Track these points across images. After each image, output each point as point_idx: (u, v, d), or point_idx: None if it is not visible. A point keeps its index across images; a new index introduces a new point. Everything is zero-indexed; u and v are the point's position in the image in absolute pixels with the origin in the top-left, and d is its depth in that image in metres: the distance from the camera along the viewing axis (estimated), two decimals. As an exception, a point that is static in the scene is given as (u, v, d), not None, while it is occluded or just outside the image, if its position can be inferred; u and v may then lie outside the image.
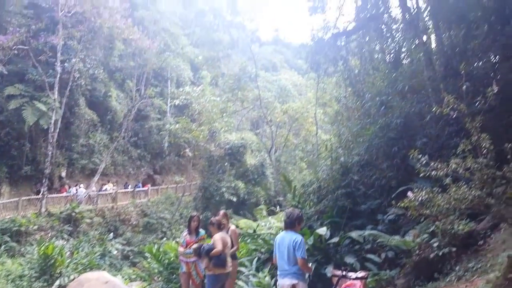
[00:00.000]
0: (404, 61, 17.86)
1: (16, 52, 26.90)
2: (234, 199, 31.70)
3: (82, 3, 29.03)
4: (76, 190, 28.71)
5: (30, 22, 27.90)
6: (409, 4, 17.21)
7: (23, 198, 24.88)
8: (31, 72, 28.03)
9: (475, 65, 12.90)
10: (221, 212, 8.77)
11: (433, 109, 8.25)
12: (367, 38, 21.42)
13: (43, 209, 24.92)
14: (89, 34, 30.83)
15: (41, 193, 25.49)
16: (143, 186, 35.11)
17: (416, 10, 16.12)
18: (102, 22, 30.69)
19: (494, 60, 12.79)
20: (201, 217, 9.25)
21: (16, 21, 27.55)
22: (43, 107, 26.71)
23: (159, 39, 38.52)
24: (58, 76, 27.31)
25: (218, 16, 29.37)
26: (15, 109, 26.27)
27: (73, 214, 25.92)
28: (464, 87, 7.84)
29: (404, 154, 11.17)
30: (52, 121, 26.62)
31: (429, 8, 15.29)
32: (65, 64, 28.73)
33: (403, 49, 18.44)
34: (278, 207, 26.12)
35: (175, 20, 41.49)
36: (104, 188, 31.53)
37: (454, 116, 7.74)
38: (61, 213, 25.77)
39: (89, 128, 32.95)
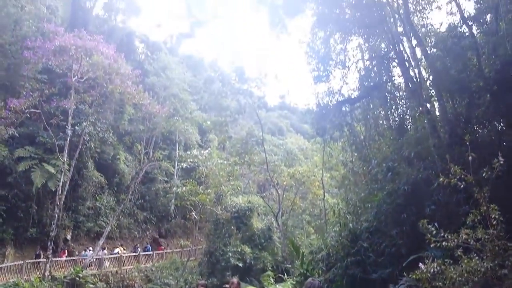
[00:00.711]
0: (409, 128, 18.15)
1: (28, 115, 27.62)
2: (241, 265, 30.93)
3: (95, 70, 30.11)
4: (87, 253, 28.45)
5: (43, 87, 28.81)
6: (411, 73, 17.83)
7: (28, 261, 24.49)
8: (42, 135, 28.63)
9: (479, 132, 13.11)
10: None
11: (441, 179, 8.30)
12: (371, 105, 21.92)
13: (47, 273, 24.41)
14: (101, 99, 31.72)
15: (42, 256, 25.13)
16: (157, 249, 34.78)
17: (418, 79, 16.66)
18: (113, 88, 31.64)
19: (499, 128, 13.01)
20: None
21: (30, 86, 28.50)
22: (51, 169, 27.00)
23: (168, 104, 39.53)
24: (68, 139, 27.79)
25: (226, 84, 30.30)
26: (24, 171, 26.58)
27: (77, 278, 25.35)
28: (470, 157, 7.94)
29: (413, 221, 11.09)
30: (60, 184, 26.76)
31: (431, 78, 15.83)
32: (76, 127, 29.36)
33: (407, 116, 18.81)
34: (285, 274, 25.43)
35: (184, 86, 42.82)
36: (115, 251, 31.22)
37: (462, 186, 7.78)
38: (64, 277, 25.22)
39: (96, 190, 33.06)
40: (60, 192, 26.85)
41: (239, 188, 37.75)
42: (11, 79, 29.36)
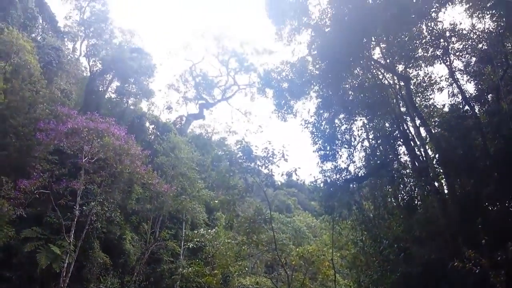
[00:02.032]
0: (418, 207, 18.03)
1: (37, 195, 27.79)
2: None
3: (105, 151, 30.78)
4: None
5: (53, 168, 29.29)
6: (417, 152, 18.07)
7: None
8: (50, 215, 28.59)
9: (490, 211, 12.99)
10: None
11: (455, 263, 8.14)
12: (379, 183, 21.95)
13: None
14: (110, 179, 32.04)
15: None
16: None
17: (425, 158, 16.86)
18: (123, 168, 32.08)
19: (509, 206, 12.92)
20: None
21: (41, 166, 28.95)
22: (57, 251, 26.61)
23: (176, 183, 39.75)
24: (76, 219, 27.71)
25: (234, 162, 30.78)
26: (29, 252, 26.20)
27: None
28: (483, 241, 7.84)
29: (429, 306, 10.68)
30: (65, 265, 26.24)
31: (437, 157, 16.03)
32: (84, 207, 29.38)
33: (416, 195, 18.76)
34: None
35: (192, 165, 43.29)
36: None
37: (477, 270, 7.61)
38: None
39: (101, 271, 32.23)
40: (64, 274, 26.29)
41: (246, 268, 36.70)
42: (23, 160, 29.90)
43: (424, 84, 21.61)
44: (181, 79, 55.39)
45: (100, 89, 47.37)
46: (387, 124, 21.86)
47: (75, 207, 28.07)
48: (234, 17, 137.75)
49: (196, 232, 38.55)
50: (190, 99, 56.15)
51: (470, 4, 19.56)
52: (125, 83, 47.99)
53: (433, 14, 20.52)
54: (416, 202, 18.33)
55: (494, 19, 19.21)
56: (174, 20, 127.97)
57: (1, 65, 31.66)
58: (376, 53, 24.47)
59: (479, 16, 19.69)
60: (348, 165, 22.49)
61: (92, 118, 31.64)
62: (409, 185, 20.06)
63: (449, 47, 20.27)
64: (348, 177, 22.14)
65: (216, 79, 56.50)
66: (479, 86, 18.52)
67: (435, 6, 20.24)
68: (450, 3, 19.97)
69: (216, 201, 40.89)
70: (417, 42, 21.17)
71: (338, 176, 22.36)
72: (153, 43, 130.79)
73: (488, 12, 19.19)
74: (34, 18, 45.12)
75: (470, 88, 19.18)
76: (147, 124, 49.62)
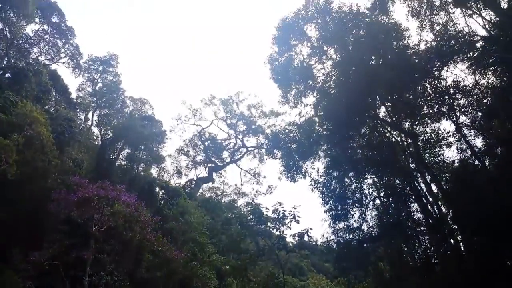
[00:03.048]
0: (436, 264, 17.47)
1: (47, 267, 27.35)
2: None
3: (116, 219, 30.67)
4: None
5: (64, 238, 29.04)
6: (430, 209, 17.79)
7: None
8: (58, 287, 27.96)
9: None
10: None
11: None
12: (393, 242, 21.44)
13: None
14: (119, 247, 31.60)
15: None
16: None
17: (438, 215, 16.56)
18: (133, 235, 31.75)
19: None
20: None
21: (51, 237, 28.74)
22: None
23: (187, 248, 39.02)
24: (85, 290, 27.09)
25: (245, 225, 30.49)
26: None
27: None
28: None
29: None
30: None
31: (451, 213, 15.74)
32: (93, 277, 28.76)
33: (432, 252, 18.24)
34: None
35: (202, 230, 42.72)
36: None
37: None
38: None
39: None
40: None
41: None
42: (34, 231, 29.77)
43: (431, 141, 21.68)
44: (191, 144, 56.20)
45: (111, 157, 47.97)
46: (397, 181, 21.73)
47: (84, 277, 27.49)
48: (240, 82, 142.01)
49: (207, 300, 37.30)
50: (199, 163, 56.60)
51: (472, 61, 20.08)
52: (136, 150, 48.67)
53: (436, 73, 21.04)
54: (433, 261, 17.77)
55: (496, 74, 19.63)
56: (184, 87, 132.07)
57: (14, 137, 32.40)
58: (382, 112, 24.88)
59: (482, 72, 20.18)
60: (361, 225, 22.12)
61: (102, 186, 31.78)
62: (424, 243, 19.55)
63: (454, 104, 20.58)
64: (362, 237, 21.69)
65: (224, 142, 57.32)
66: (487, 140, 18.55)
67: (437, 65, 20.81)
68: (452, 62, 20.53)
69: (227, 267, 39.93)
70: (422, 99, 21.55)
71: (351, 236, 21.93)
72: (163, 110, 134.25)
73: (490, 68, 19.65)
74: (48, 91, 46.66)
75: (479, 142, 19.27)
76: (157, 189, 49.65)
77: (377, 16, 25.74)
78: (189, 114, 56.54)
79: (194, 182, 55.10)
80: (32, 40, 51.32)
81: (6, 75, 45.47)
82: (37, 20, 49.90)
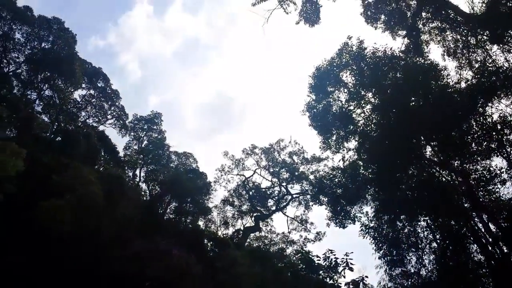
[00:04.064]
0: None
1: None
2: None
3: (168, 273, 30.99)
4: None
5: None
6: (491, 249, 17.03)
7: None
8: None
9: None
10: None
11: None
12: (454, 286, 20.48)
13: None
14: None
15: None
16: None
17: (500, 255, 15.86)
18: (185, 290, 31.87)
19: None
20: None
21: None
22: None
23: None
24: None
25: (296, 275, 30.02)
26: None
27: None
28: None
29: None
30: None
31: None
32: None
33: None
34: None
35: (253, 281, 42.23)
36: None
37: None
38: None
39: None
40: None
41: None
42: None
43: (484, 178, 21.04)
44: (235, 194, 56.58)
45: (160, 211, 49.08)
46: (452, 222, 21.03)
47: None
48: (280, 131, 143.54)
49: None
50: (245, 212, 56.68)
51: (515, 96, 19.79)
52: (183, 203, 49.67)
53: (480, 109, 20.77)
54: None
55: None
56: (224, 139, 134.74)
57: (67, 197, 33.85)
58: (428, 152, 24.51)
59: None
60: (419, 270, 21.36)
61: (152, 240, 32.48)
62: (488, 286, 18.60)
63: (503, 139, 20.10)
64: (421, 282, 20.89)
65: (269, 190, 57.32)
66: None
67: (480, 102, 20.58)
68: (495, 97, 20.28)
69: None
70: (469, 137, 21.18)
71: (409, 282, 21.16)
72: (206, 162, 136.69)
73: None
74: (97, 151, 49.00)
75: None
76: (206, 241, 49.98)
77: (412, 58, 26.00)
78: (232, 165, 57.40)
79: (241, 232, 55.04)
80: (80, 105, 54.61)
81: (58, 139, 48.37)
82: (84, 85, 53.27)
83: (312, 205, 54.08)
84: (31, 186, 31.91)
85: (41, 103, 49.71)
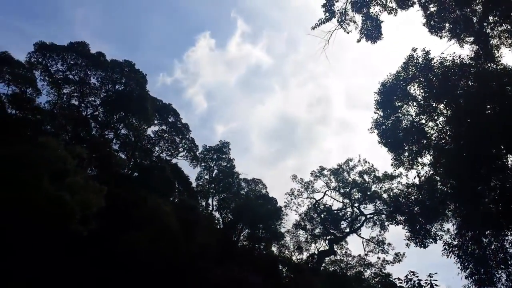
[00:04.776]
0: None
1: None
2: None
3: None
4: None
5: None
6: None
7: None
8: None
9: None
10: None
11: None
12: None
13: None
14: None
15: None
16: None
17: None
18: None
19: None
20: None
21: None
22: None
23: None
24: None
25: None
26: None
27: None
28: None
29: None
30: None
31: None
32: None
33: None
34: None
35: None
36: None
37: None
38: None
39: None
40: None
41: None
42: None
43: None
44: (307, 217, 55.95)
45: (234, 238, 49.74)
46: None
47: None
48: (346, 151, 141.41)
49: None
50: (318, 236, 55.81)
51: None
52: (255, 230, 50.02)
53: None
54: None
55: None
56: (291, 164, 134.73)
57: (146, 230, 35.32)
58: (510, 161, 22.93)
59: None
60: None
61: (229, 267, 32.89)
62: None
63: None
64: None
65: (340, 212, 56.12)
66: None
67: None
68: None
69: None
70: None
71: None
72: (275, 187, 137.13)
73: None
74: (171, 183, 50.84)
75: None
76: (280, 267, 49.74)
77: (483, 64, 24.74)
78: (301, 188, 56.94)
79: (316, 256, 54.12)
80: (153, 140, 57.45)
81: (135, 174, 51.03)
82: (156, 122, 56.09)
83: (388, 225, 52.06)
84: (112, 221, 33.72)
85: (117, 142, 52.92)
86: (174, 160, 57.35)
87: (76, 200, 29.88)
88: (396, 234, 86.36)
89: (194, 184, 57.11)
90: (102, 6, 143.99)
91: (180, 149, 58.13)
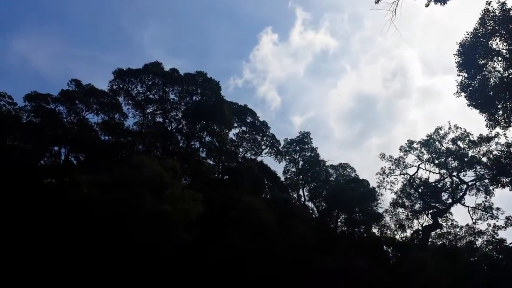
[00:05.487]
0: None
1: None
2: None
3: None
4: None
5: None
6: None
7: None
8: None
9: None
10: None
11: None
12: None
13: None
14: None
15: None
16: None
17: None
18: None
19: None
20: None
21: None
22: None
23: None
24: None
25: (495, 268, 27.27)
26: None
27: None
28: None
29: None
30: None
31: None
32: None
33: None
34: None
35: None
36: None
37: None
38: None
39: None
40: None
41: None
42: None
43: None
44: (403, 194, 53.92)
45: (331, 226, 49.63)
46: None
47: None
48: (431, 120, 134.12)
49: None
50: (419, 211, 53.66)
51: None
52: (352, 214, 49.45)
53: None
54: None
55: None
56: (375, 143, 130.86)
57: (243, 229, 36.21)
58: None
59: None
60: None
61: (331, 256, 32.87)
62: None
63: None
64: None
65: (439, 183, 53.39)
66: None
67: None
68: None
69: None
70: None
71: None
72: (363, 168, 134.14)
73: None
74: (260, 181, 51.80)
75: None
76: (384, 247, 48.74)
77: None
78: (392, 166, 54.98)
79: (420, 232, 52.14)
80: (236, 142, 59.05)
81: (225, 177, 52.85)
82: (235, 124, 57.57)
83: (493, 189, 48.52)
84: (210, 225, 35.29)
85: (204, 150, 55.26)
86: (259, 158, 58.66)
87: (177, 210, 31.76)
88: (504, 197, 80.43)
89: (282, 178, 57.85)
90: (167, 24, 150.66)
91: (263, 147, 59.17)
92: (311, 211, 55.80)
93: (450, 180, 53.19)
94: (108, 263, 28.90)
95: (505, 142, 28.41)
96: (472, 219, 51.28)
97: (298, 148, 60.05)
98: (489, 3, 24.42)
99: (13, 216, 30.59)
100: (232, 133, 58.06)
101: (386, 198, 60.40)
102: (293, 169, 59.54)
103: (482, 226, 50.82)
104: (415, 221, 53.97)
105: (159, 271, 30.75)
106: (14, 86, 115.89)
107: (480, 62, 25.06)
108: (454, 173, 52.36)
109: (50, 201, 32.69)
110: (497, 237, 47.77)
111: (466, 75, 25.88)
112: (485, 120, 26.30)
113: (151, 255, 30.15)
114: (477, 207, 50.94)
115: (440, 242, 52.86)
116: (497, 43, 24.61)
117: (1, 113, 41.96)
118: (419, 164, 54.33)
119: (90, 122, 48.82)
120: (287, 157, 60.08)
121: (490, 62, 25.00)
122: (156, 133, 52.23)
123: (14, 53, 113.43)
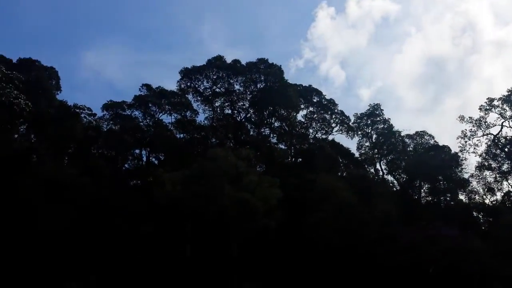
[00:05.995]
0: None
1: None
2: None
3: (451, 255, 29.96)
4: None
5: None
6: None
7: None
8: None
9: None
10: None
11: None
12: None
13: None
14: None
15: None
16: None
17: None
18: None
19: None
20: None
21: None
22: None
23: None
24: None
25: None
26: None
27: None
28: None
29: None
30: None
31: None
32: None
33: None
34: None
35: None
36: None
37: None
38: None
39: None
40: None
41: None
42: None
43: None
44: (489, 156, 50.57)
45: (415, 197, 48.10)
46: None
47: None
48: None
49: None
50: (508, 172, 50.15)
51: None
52: (435, 183, 47.62)
53: None
54: None
55: None
56: (451, 105, 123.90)
57: (324, 209, 35.98)
58: None
59: None
60: None
61: (418, 227, 31.93)
62: None
63: None
64: None
65: (529, 140, 49.72)
66: None
67: None
68: None
69: None
70: None
71: None
72: (442, 133, 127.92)
73: None
74: (334, 159, 50.89)
75: None
76: (474, 213, 46.44)
77: None
78: (473, 128, 51.49)
79: (511, 194, 48.91)
80: (305, 124, 58.46)
81: (298, 160, 52.87)
82: (302, 106, 57.01)
83: None
84: (289, 207, 35.56)
85: (274, 135, 55.51)
86: (330, 137, 57.60)
87: (257, 197, 32.43)
88: None
89: (356, 155, 56.62)
90: (222, 16, 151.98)
91: (333, 125, 58.01)
92: (391, 184, 54.32)
93: (538, 134, 49.23)
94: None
95: None
96: None
97: (369, 122, 58.19)
98: None
99: (110, 220, 33.11)
100: (300, 115, 57.62)
101: (471, 162, 56.16)
102: (367, 144, 57.85)
103: None
104: (505, 182, 50.47)
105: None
106: (91, 97, 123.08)
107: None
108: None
109: (138, 202, 35.08)
110: None
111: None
112: None
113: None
114: None
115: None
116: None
117: (84, 125, 45.06)
118: (502, 122, 50.55)
119: (164, 122, 51.23)
120: (359, 132, 58.47)
121: None
122: (227, 125, 53.45)
123: (86, 67, 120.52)
